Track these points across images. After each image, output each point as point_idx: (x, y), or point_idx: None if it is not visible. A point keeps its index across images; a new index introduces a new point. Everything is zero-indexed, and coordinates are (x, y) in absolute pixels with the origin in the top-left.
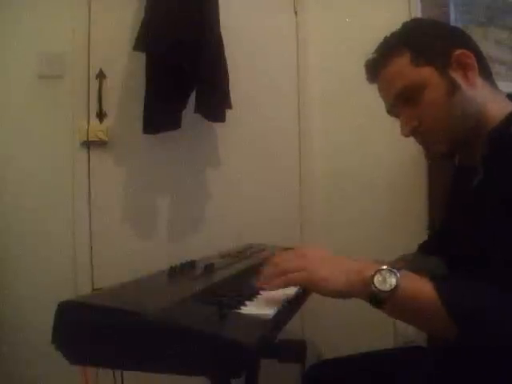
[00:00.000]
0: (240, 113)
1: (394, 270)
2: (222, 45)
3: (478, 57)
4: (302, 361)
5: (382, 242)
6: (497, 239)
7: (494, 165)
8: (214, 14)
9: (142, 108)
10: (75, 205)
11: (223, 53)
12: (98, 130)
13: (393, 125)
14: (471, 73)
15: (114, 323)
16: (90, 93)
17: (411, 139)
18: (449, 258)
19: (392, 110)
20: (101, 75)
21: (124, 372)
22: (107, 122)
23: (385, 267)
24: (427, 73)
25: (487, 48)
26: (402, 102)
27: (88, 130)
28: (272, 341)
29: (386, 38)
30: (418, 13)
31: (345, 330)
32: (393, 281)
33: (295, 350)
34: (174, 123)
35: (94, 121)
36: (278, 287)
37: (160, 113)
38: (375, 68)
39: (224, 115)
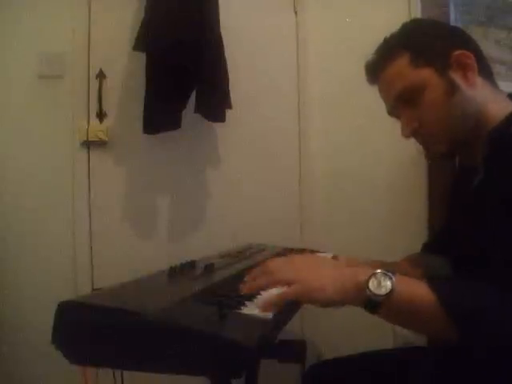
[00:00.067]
0: (240, 113)
1: (389, 274)
2: (222, 45)
3: (478, 57)
4: (302, 361)
5: (382, 242)
6: (497, 239)
7: (495, 165)
8: (214, 13)
9: (142, 108)
10: (75, 205)
11: (223, 53)
12: (98, 129)
13: (393, 125)
14: (471, 73)
15: (114, 323)
16: (90, 93)
17: (411, 139)
18: (451, 259)
19: (393, 112)
20: (101, 75)
21: (124, 372)
22: (107, 121)
23: (379, 271)
24: (427, 74)
25: (487, 48)
26: (402, 103)
27: (88, 130)
28: (272, 341)
29: (385, 39)
30: (417, 13)
31: (345, 330)
32: (388, 284)
33: (295, 350)
34: (174, 123)
35: (94, 121)
36: (272, 306)
37: (160, 113)
38: (375, 70)
39: (224, 115)
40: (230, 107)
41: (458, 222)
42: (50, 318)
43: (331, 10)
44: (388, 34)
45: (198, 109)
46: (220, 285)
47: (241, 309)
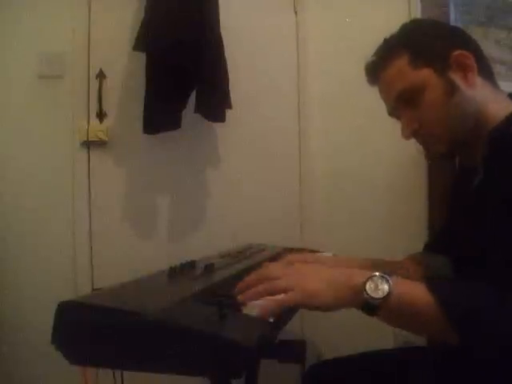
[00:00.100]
0: (240, 113)
1: (386, 276)
2: (222, 45)
3: (478, 57)
4: (302, 361)
5: (382, 242)
6: (497, 239)
7: (495, 165)
8: (214, 14)
9: (142, 108)
10: (75, 205)
11: (223, 53)
12: (98, 129)
13: (393, 125)
14: (470, 73)
15: (114, 323)
16: (90, 93)
17: (411, 139)
18: (451, 259)
19: (393, 112)
20: (101, 75)
21: (124, 372)
22: (107, 121)
23: (377, 274)
24: (426, 74)
25: (487, 48)
26: (402, 104)
27: (88, 129)
28: (272, 341)
29: (385, 40)
30: (417, 13)
31: (345, 330)
32: (385, 287)
33: (295, 350)
34: (174, 123)
35: (94, 121)
36: (271, 312)
37: (160, 113)
38: (375, 71)
39: (224, 115)
40: (230, 107)
41: (458, 223)
42: (50, 318)
43: (331, 10)
44: (388, 35)
45: (198, 109)
46: (220, 285)
47: (241, 309)
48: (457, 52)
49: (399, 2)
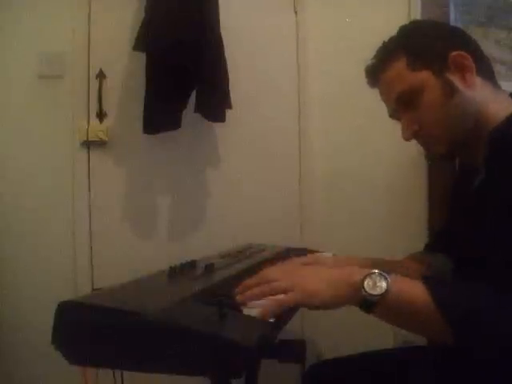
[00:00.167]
0: (240, 113)
1: (385, 274)
2: (222, 45)
3: (477, 57)
4: (302, 361)
5: (382, 242)
6: (498, 240)
7: (496, 165)
8: (214, 14)
9: (142, 108)
10: (75, 205)
11: (223, 53)
12: (98, 129)
13: (393, 125)
14: (469, 74)
15: (114, 323)
16: (90, 93)
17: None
18: (452, 259)
19: (394, 114)
20: (101, 75)
21: (124, 372)
22: (107, 122)
23: (375, 271)
24: (424, 76)
25: (487, 48)
26: (402, 106)
27: (88, 130)
28: (272, 341)
29: (383, 42)
30: (417, 13)
31: (345, 330)
32: (383, 285)
33: (295, 350)
34: (174, 123)
35: (94, 121)
36: (271, 312)
37: (160, 113)
38: (374, 74)
39: (224, 115)
40: (230, 107)
41: (458, 224)
42: (50, 318)
43: (331, 10)
44: (387, 38)
45: (198, 109)
46: (220, 285)
47: (241, 309)
48: (454, 53)
49: (399, 2)
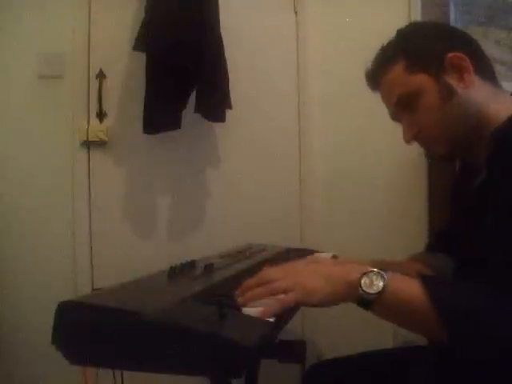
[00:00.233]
0: (240, 113)
1: (382, 273)
2: (222, 45)
3: (477, 57)
4: (302, 361)
5: (382, 242)
6: (498, 240)
7: (497, 165)
8: (214, 14)
9: (142, 108)
10: (75, 205)
11: (223, 53)
12: (98, 130)
13: (393, 125)
14: (467, 75)
15: (114, 323)
16: (90, 93)
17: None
18: (453, 259)
19: (395, 117)
20: (101, 75)
21: (124, 372)
22: (107, 122)
23: (373, 270)
24: (421, 80)
25: (487, 48)
26: (402, 109)
27: (88, 130)
28: (272, 341)
29: (382, 46)
30: (417, 12)
31: (345, 330)
32: (380, 283)
33: (295, 350)
34: (174, 123)
35: (94, 121)
36: (273, 312)
37: (160, 113)
38: (375, 78)
39: (224, 115)
40: (230, 107)
41: (459, 224)
42: (50, 318)
43: (331, 10)
44: (387, 38)
45: (198, 109)
46: (220, 285)
47: (241, 309)
48: (451, 54)
49: (399, 3)
